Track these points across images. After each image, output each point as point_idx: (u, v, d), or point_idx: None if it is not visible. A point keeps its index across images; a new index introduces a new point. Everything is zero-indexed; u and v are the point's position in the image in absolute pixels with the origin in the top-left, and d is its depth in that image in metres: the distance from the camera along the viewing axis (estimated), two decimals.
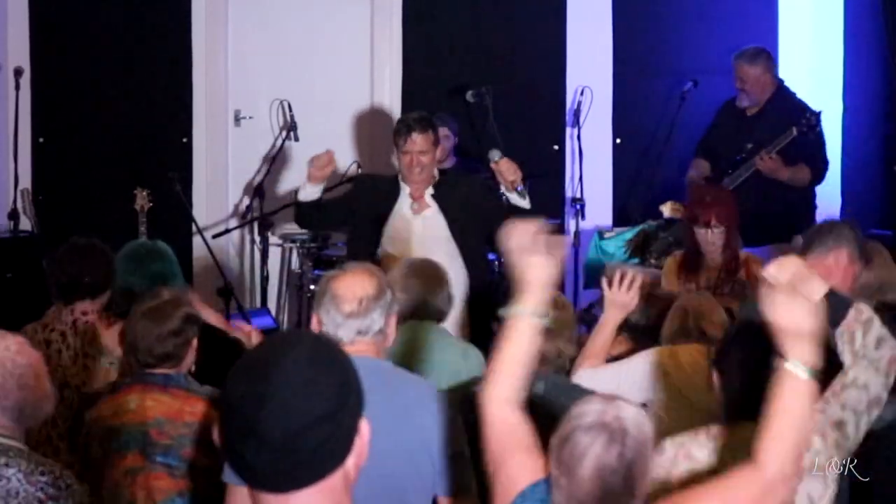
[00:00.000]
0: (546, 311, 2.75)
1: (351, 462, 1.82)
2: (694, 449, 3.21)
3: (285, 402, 1.74)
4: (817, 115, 6.65)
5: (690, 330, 4.29)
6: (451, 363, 4.19)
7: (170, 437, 3.69)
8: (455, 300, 4.56)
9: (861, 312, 3.42)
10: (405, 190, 5.63)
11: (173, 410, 3.71)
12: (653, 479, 2.97)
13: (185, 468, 3.67)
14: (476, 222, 5.56)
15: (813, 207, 6.92)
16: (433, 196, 5.64)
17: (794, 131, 6.56)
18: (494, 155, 5.60)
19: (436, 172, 5.72)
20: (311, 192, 5.63)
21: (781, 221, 6.64)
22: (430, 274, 4.39)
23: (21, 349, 3.16)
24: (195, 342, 3.86)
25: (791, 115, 6.76)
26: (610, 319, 4.35)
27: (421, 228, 5.60)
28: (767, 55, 6.94)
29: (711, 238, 5.56)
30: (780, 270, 2.65)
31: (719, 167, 6.84)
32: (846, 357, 3.40)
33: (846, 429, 3.40)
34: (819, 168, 6.78)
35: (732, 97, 7.02)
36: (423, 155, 5.55)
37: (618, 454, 2.49)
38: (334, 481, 1.80)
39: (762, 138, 6.68)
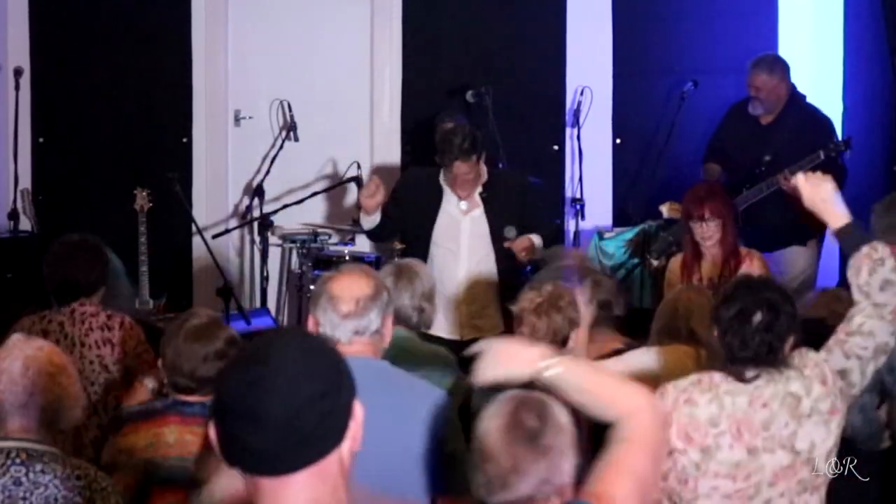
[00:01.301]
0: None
1: (346, 446, 1.86)
2: (696, 394, 3.30)
3: (284, 382, 1.79)
4: (847, 141, 6.60)
5: (679, 329, 4.29)
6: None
7: (210, 472, 3.63)
8: (436, 302, 4.52)
9: (875, 250, 3.50)
10: (447, 189, 5.77)
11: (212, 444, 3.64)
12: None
13: None
14: (519, 222, 5.75)
15: None
16: (482, 196, 5.79)
17: (822, 155, 6.47)
18: (510, 232, 5.70)
19: (484, 171, 5.82)
20: (371, 221, 5.81)
21: (796, 226, 6.62)
22: (395, 276, 4.36)
23: (53, 351, 3.15)
24: None
25: (811, 127, 6.70)
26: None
27: (469, 227, 5.77)
28: (784, 64, 6.85)
29: (707, 232, 5.57)
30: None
31: (736, 177, 6.78)
32: (854, 292, 3.47)
33: (851, 377, 3.49)
34: (839, 178, 6.72)
35: (741, 100, 6.96)
36: (467, 176, 5.70)
37: (535, 415, 2.56)
38: (331, 464, 1.84)
39: (780, 150, 6.60)
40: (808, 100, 6.96)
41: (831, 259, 7.09)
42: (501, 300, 5.57)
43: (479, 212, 5.78)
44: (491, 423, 2.56)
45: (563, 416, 2.56)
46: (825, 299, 4.41)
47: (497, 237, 5.74)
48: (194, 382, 3.69)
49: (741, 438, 3.29)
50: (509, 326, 5.56)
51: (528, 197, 5.91)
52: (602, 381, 2.65)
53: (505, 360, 2.72)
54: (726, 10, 7.70)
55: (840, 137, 6.71)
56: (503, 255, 5.75)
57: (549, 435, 2.54)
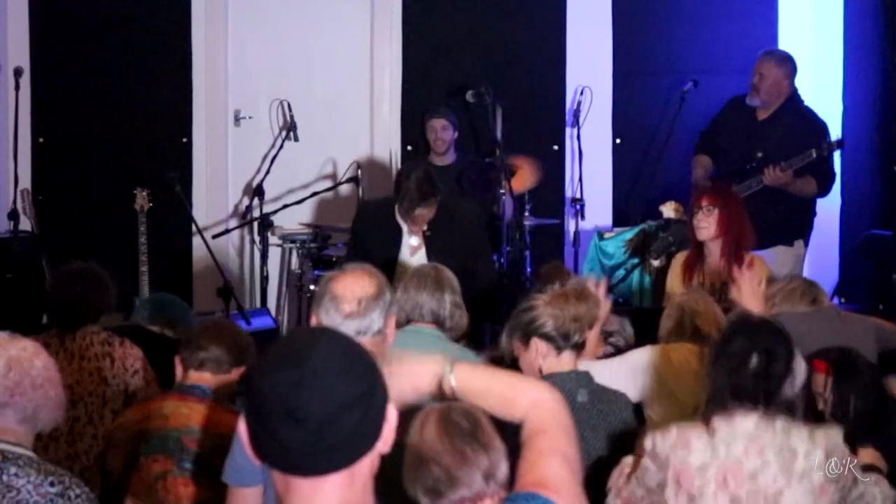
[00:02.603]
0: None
1: (378, 447, 1.86)
2: (693, 439, 3.24)
3: (324, 384, 1.79)
4: (840, 141, 6.61)
5: (685, 328, 4.30)
6: None
7: (201, 446, 3.65)
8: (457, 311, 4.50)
9: None
10: (405, 228, 5.71)
11: (209, 421, 3.67)
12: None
13: (208, 478, 3.64)
14: (461, 245, 5.66)
15: (813, 213, 6.91)
16: (426, 234, 5.72)
17: (814, 154, 6.48)
18: None
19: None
20: None
21: (783, 225, 6.62)
22: (432, 278, 4.35)
23: (37, 351, 3.13)
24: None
25: (806, 128, 6.70)
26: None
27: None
28: (794, 63, 6.84)
29: (703, 221, 5.48)
30: None
31: (726, 168, 6.80)
32: None
33: None
34: (827, 182, 6.75)
35: (739, 95, 6.97)
36: (425, 219, 5.65)
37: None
38: (363, 466, 1.85)
39: (773, 148, 6.62)
40: (809, 102, 6.95)
41: (818, 259, 7.10)
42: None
43: (422, 252, 5.70)
44: (424, 429, 2.60)
45: (486, 418, 2.59)
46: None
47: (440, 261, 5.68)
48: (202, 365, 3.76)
49: (726, 487, 3.20)
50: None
51: (467, 228, 5.82)
52: (499, 381, 2.60)
53: (407, 380, 2.65)
54: (726, 10, 7.70)
55: (841, 144, 6.70)
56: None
57: (484, 432, 2.58)
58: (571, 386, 3.61)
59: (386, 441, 1.87)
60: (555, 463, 2.41)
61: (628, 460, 3.38)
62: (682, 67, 7.61)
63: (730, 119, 6.98)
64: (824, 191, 6.78)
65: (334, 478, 1.83)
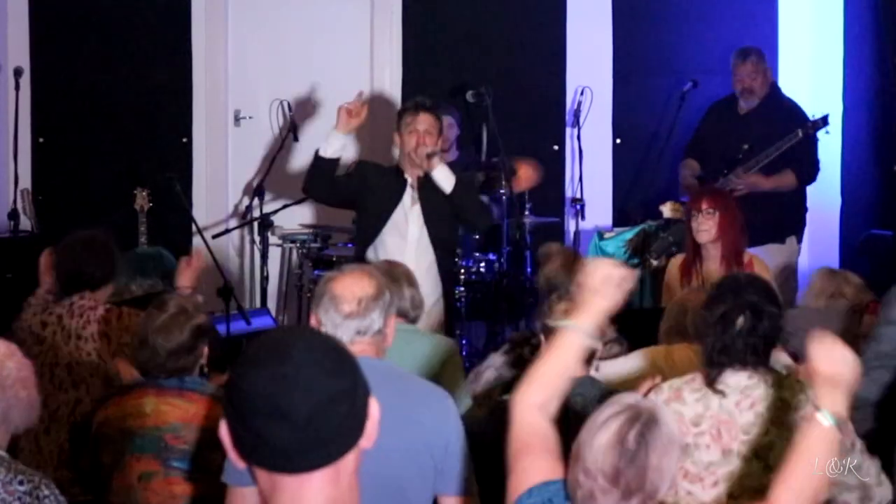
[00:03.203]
0: (597, 335, 2.82)
1: (362, 443, 1.87)
2: (686, 392, 3.30)
3: (308, 380, 1.79)
4: (825, 118, 6.63)
5: (686, 327, 4.29)
6: (421, 356, 4.23)
7: (186, 441, 3.65)
8: (424, 300, 4.56)
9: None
10: (409, 182, 5.69)
11: (189, 415, 3.67)
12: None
13: (202, 473, 3.65)
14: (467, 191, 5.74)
15: (804, 209, 6.92)
16: (420, 194, 5.74)
17: (800, 133, 6.53)
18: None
19: (441, 141, 5.82)
20: (334, 145, 5.66)
21: (773, 223, 6.63)
22: (393, 275, 4.38)
23: (10, 352, 3.13)
24: (206, 350, 3.84)
25: (789, 114, 6.76)
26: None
27: (416, 219, 5.69)
28: (764, 54, 6.96)
29: (702, 224, 5.48)
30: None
31: (712, 167, 6.82)
32: None
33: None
34: (806, 171, 6.76)
35: (721, 98, 7.05)
36: (428, 136, 5.61)
37: (637, 433, 2.51)
38: (348, 462, 1.85)
39: (757, 138, 6.66)
40: (809, 102, 6.98)
41: (819, 259, 7.10)
42: (444, 290, 5.71)
43: (418, 208, 5.74)
44: (598, 433, 2.54)
45: (663, 436, 2.53)
46: None
47: (432, 229, 5.71)
48: (165, 372, 3.75)
49: (719, 439, 3.26)
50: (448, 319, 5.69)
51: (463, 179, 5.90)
52: (814, 465, 2.64)
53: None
54: (726, 10, 7.70)
55: (825, 120, 6.71)
56: (439, 247, 5.75)
57: (646, 455, 2.51)
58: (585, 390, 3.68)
59: (369, 437, 1.87)
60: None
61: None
62: (682, 67, 7.61)
63: (713, 121, 7.07)
64: (807, 179, 6.80)
65: (320, 474, 1.82)
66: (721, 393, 3.28)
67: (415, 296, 4.43)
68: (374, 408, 1.88)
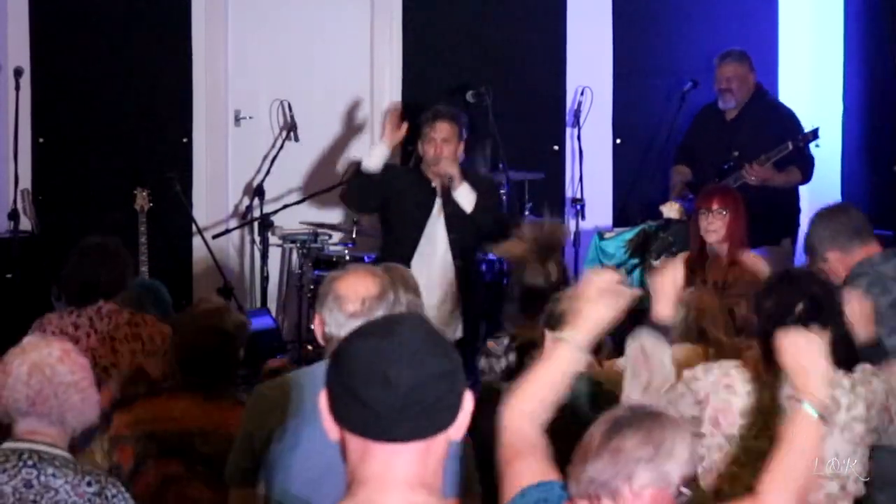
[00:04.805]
0: (588, 349, 2.80)
1: (452, 431, 1.93)
2: (738, 382, 3.28)
3: (415, 354, 1.88)
4: (815, 131, 6.63)
5: (690, 329, 4.28)
6: None
7: (212, 447, 3.65)
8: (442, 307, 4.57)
9: None
10: (436, 190, 5.77)
11: (218, 421, 3.67)
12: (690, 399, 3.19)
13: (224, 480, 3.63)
14: (486, 207, 5.84)
15: (797, 210, 6.93)
16: (444, 205, 5.83)
17: (790, 146, 6.54)
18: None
19: (460, 149, 5.95)
20: (378, 157, 5.82)
21: (767, 225, 6.64)
22: (391, 279, 4.36)
23: (64, 357, 3.11)
24: (242, 352, 3.84)
25: (776, 119, 6.79)
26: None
27: (442, 229, 5.75)
28: (750, 58, 6.97)
29: (713, 224, 5.45)
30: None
31: (703, 173, 6.84)
32: None
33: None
34: (808, 167, 6.79)
35: (708, 103, 7.08)
36: (445, 144, 5.67)
37: (635, 414, 2.52)
38: (438, 444, 1.92)
39: (745, 144, 6.69)
40: (809, 102, 6.98)
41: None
42: (462, 302, 5.80)
43: (443, 217, 5.86)
44: (594, 428, 2.53)
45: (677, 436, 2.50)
46: None
47: (457, 237, 5.81)
48: (200, 375, 3.73)
49: (766, 431, 3.24)
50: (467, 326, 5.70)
51: (487, 191, 5.99)
52: (804, 457, 2.64)
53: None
54: (726, 10, 7.70)
55: (807, 129, 6.73)
56: (462, 255, 5.79)
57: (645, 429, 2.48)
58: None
59: (459, 427, 1.93)
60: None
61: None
62: (682, 67, 7.61)
63: (701, 127, 7.11)
64: (807, 177, 6.83)
65: (412, 448, 1.89)
66: (771, 387, 3.24)
67: (413, 301, 4.39)
68: (469, 400, 1.95)
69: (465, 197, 5.74)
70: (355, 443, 1.91)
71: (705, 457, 3.31)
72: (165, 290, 5.58)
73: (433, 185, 5.80)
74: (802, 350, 2.69)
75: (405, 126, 5.85)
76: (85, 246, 4.72)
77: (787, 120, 6.84)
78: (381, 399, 1.86)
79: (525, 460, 2.61)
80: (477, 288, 6.14)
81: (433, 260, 5.64)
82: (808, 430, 2.63)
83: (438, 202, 5.81)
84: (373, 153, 5.83)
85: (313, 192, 7.52)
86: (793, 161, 6.66)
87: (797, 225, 6.90)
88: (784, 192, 6.80)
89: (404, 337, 1.90)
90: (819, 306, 3.24)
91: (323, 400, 1.92)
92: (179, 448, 3.66)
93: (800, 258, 6.97)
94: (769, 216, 6.65)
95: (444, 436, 1.92)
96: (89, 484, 2.99)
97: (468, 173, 6.05)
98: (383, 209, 6.00)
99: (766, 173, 6.56)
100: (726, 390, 3.29)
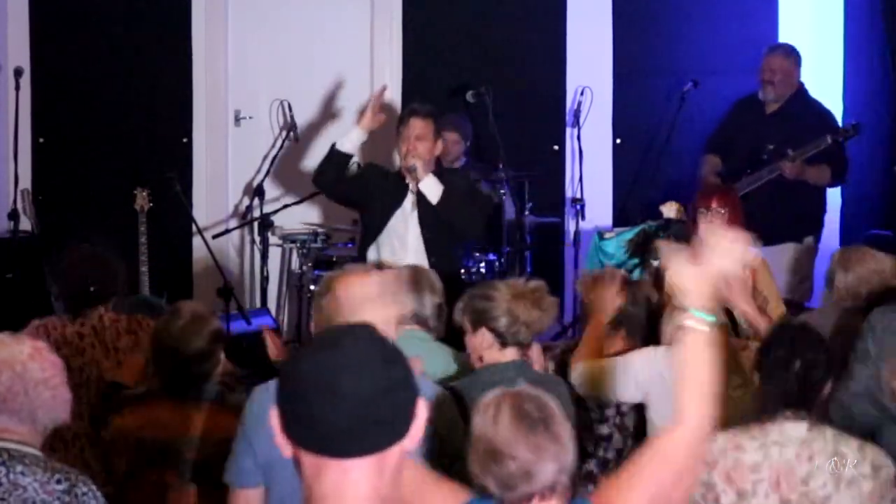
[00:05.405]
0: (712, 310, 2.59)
1: (407, 442, 1.90)
2: (745, 441, 3.36)
3: (364, 366, 1.85)
4: (857, 125, 6.63)
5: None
6: (436, 366, 4.18)
7: (202, 454, 3.64)
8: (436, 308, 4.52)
9: None
10: (410, 187, 5.73)
11: (207, 427, 3.66)
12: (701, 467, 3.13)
13: (216, 486, 3.62)
14: (458, 199, 5.74)
15: (824, 210, 6.94)
16: (418, 198, 5.77)
17: (829, 140, 6.53)
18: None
19: (437, 147, 5.88)
20: (353, 140, 5.80)
21: (793, 222, 6.65)
22: (418, 282, 4.37)
23: (35, 354, 3.10)
24: (222, 355, 3.83)
25: (817, 118, 6.77)
26: (597, 322, 4.37)
27: (414, 225, 5.70)
28: (799, 55, 6.95)
29: (711, 223, 5.42)
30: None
31: (736, 165, 6.82)
32: None
33: None
34: (841, 170, 6.78)
35: (748, 95, 7.02)
36: (419, 141, 5.64)
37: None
38: (392, 455, 1.89)
39: (783, 139, 6.67)
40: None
41: (819, 258, 7.09)
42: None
43: (416, 213, 5.79)
44: (498, 420, 2.56)
45: (557, 407, 2.58)
46: None
47: (429, 235, 5.75)
48: (185, 379, 3.73)
49: (778, 488, 3.33)
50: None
51: (464, 186, 5.93)
52: (704, 368, 2.52)
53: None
54: (726, 10, 7.70)
55: (858, 129, 6.71)
56: (436, 252, 5.76)
57: (556, 422, 2.56)
58: (511, 375, 3.68)
59: (414, 437, 1.90)
60: (638, 494, 2.42)
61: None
62: (682, 67, 7.61)
63: (738, 118, 7.05)
64: (839, 179, 6.82)
65: (365, 463, 1.86)
66: (779, 443, 3.35)
67: (439, 305, 4.38)
68: (422, 409, 1.92)
69: (430, 188, 5.69)
70: (309, 459, 1.87)
71: None
72: (164, 305, 5.61)
73: (408, 181, 5.78)
74: (689, 274, 2.56)
75: (383, 116, 5.83)
76: (73, 255, 4.71)
77: (827, 119, 6.83)
78: (331, 415, 1.83)
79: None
80: (454, 287, 6.13)
81: (404, 257, 5.60)
82: (699, 339, 2.52)
83: (411, 198, 5.77)
84: (349, 135, 5.83)
85: (313, 192, 7.51)
86: (828, 160, 6.66)
87: (822, 224, 6.92)
88: (813, 191, 6.79)
89: (352, 350, 1.87)
90: (812, 364, 3.42)
91: (274, 417, 1.89)
92: (170, 456, 3.64)
93: (822, 257, 6.97)
94: (796, 213, 6.67)
95: (399, 447, 1.89)
96: (58, 482, 2.96)
97: (446, 170, 6.03)
98: (362, 206, 5.97)
99: (799, 169, 6.56)
100: (734, 451, 3.37)
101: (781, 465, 3.32)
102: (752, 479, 3.33)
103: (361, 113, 5.98)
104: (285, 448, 1.89)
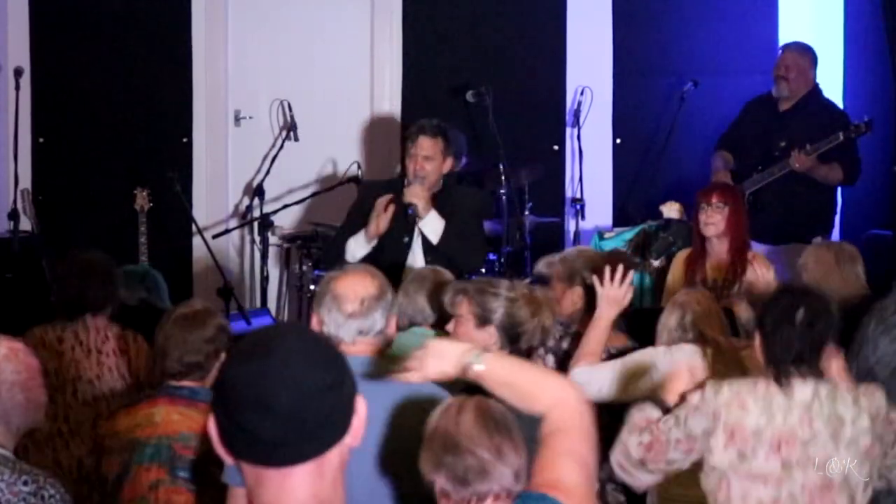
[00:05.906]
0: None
1: (348, 440, 1.88)
2: (749, 401, 3.38)
3: (292, 373, 1.81)
4: (869, 122, 6.63)
5: (686, 331, 4.27)
6: None
7: (195, 452, 3.63)
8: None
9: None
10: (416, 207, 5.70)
11: (199, 426, 3.65)
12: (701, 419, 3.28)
13: (207, 484, 3.61)
14: (460, 233, 5.64)
15: (834, 210, 6.94)
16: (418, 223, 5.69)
17: (841, 136, 6.53)
18: None
19: (443, 167, 5.74)
20: (363, 247, 5.63)
21: (802, 221, 6.65)
22: (431, 280, 4.37)
23: (10, 355, 3.09)
24: (223, 356, 3.83)
25: (829, 116, 6.77)
26: (604, 315, 4.34)
27: (420, 252, 5.68)
28: (815, 54, 6.96)
29: (711, 217, 5.46)
30: None
31: (748, 161, 6.82)
32: None
33: None
34: (853, 169, 6.78)
35: (763, 94, 7.03)
36: (427, 161, 5.57)
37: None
38: (332, 457, 1.86)
39: (796, 136, 6.67)
40: None
41: None
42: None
43: (420, 239, 5.69)
44: (461, 417, 2.58)
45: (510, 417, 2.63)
46: None
47: (432, 260, 5.64)
48: (182, 367, 3.72)
49: (778, 452, 3.37)
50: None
51: (473, 205, 5.84)
52: (525, 374, 2.69)
53: (435, 358, 2.77)
54: (726, 10, 7.70)
55: (870, 126, 6.71)
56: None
57: (516, 432, 2.59)
58: None
59: (355, 434, 1.89)
60: (570, 465, 2.44)
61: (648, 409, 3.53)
62: (682, 67, 7.61)
63: (751, 115, 7.05)
64: (851, 179, 6.81)
65: (303, 469, 1.84)
66: (789, 397, 3.37)
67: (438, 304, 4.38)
68: (360, 405, 1.90)
69: (431, 227, 5.57)
70: (248, 469, 1.86)
71: (716, 470, 3.42)
72: (154, 271, 5.72)
73: (410, 212, 5.68)
74: (439, 352, 2.77)
75: (391, 209, 5.64)
76: (72, 263, 4.71)
77: (840, 117, 6.83)
78: (264, 425, 1.80)
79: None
80: None
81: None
82: (490, 374, 2.68)
83: (415, 230, 5.70)
84: (358, 243, 5.64)
85: (313, 192, 7.52)
86: (839, 158, 6.66)
87: (832, 224, 6.92)
88: (824, 190, 6.79)
89: (281, 354, 1.83)
90: (816, 314, 3.42)
91: (211, 428, 1.87)
92: (162, 454, 3.64)
93: None
94: (807, 212, 6.67)
95: (339, 447, 1.87)
96: (25, 483, 2.96)
97: (454, 189, 5.86)
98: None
99: (810, 162, 6.55)
100: (738, 409, 3.39)
101: (784, 431, 3.36)
102: (752, 444, 3.37)
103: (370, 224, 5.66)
104: (226, 457, 1.87)
